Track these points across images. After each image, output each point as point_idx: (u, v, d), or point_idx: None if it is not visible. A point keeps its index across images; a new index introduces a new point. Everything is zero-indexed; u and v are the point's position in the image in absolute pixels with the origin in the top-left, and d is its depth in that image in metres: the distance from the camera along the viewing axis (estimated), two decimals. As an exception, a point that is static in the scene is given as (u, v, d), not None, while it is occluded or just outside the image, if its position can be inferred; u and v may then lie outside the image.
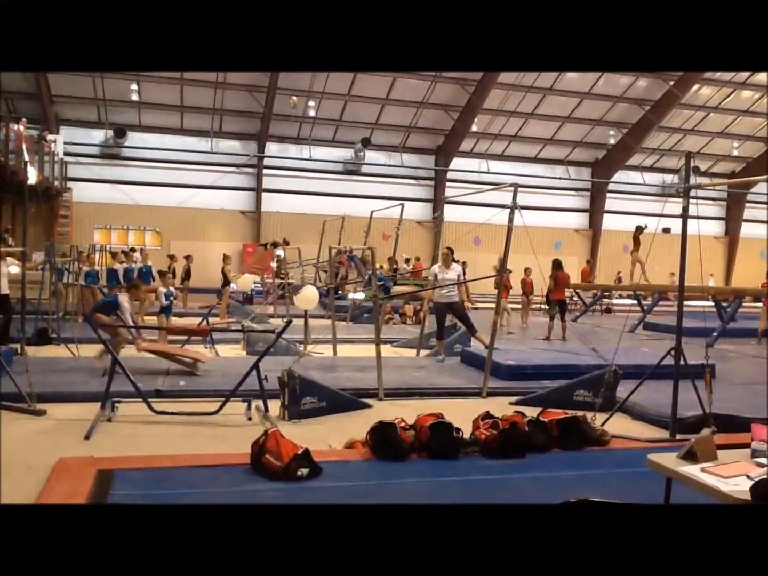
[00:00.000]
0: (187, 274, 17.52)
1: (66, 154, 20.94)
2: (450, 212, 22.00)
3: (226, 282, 15.53)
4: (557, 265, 13.41)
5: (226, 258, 15.95)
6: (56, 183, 19.83)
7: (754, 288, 15.39)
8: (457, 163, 24.78)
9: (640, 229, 15.38)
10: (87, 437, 5.58)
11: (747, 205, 28.53)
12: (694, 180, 6.15)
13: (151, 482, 4.44)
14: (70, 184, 21.59)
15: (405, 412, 5.83)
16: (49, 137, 19.17)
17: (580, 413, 5.89)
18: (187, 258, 17.57)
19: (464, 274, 10.76)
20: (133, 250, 15.30)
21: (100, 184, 22.03)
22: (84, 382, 7.40)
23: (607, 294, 20.64)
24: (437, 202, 24.13)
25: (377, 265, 11.96)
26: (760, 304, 14.59)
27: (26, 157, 14.93)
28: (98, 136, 22.22)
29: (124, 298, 8.49)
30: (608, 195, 26.89)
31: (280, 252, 18.27)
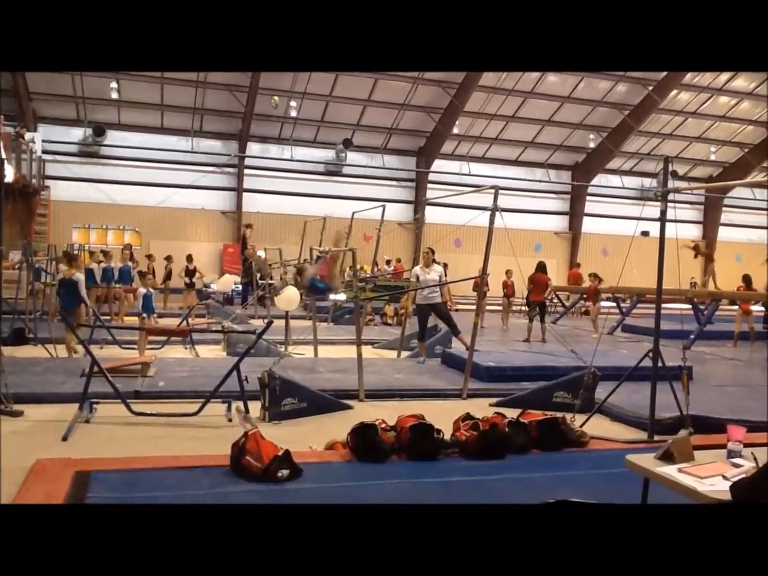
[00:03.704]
0: (168, 275, 17.43)
1: (44, 152, 20.65)
2: (431, 214, 22.03)
3: (192, 283, 15.95)
4: (539, 267, 13.50)
5: (191, 258, 16.69)
6: (34, 181, 19.56)
7: (730, 291, 15.59)
8: (438, 164, 24.84)
9: (701, 247, 16.88)
10: (64, 438, 5.53)
11: (724, 209, 28.90)
12: (672, 184, 6.23)
13: (130, 484, 4.40)
14: (48, 182, 21.31)
15: (386, 414, 5.84)
16: (27, 135, 18.92)
17: (559, 415, 5.94)
18: (168, 259, 17.48)
19: (445, 275, 10.79)
20: (104, 252, 15.21)
21: (78, 182, 21.76)
22: (61, 383, 7.33)
23: (584, 296, 20.76)
24: (418, 203, 24.16)
25: (359, 267, 11.95)
26: (736, 307, 14.80)
27: (3, 155, 14.72)
28: (77, 134, 21.96)
29: (80, 276, 9.59)
30: (588, 198, 27.09)
31: (261, 252, 18.24)
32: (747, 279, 14.45)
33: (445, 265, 16.82)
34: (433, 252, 9.94)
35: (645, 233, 21.36)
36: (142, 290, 9.97)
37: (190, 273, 16.82)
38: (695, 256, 18.86)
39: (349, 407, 7.00)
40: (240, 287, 18.97)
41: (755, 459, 3.08)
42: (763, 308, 16.10)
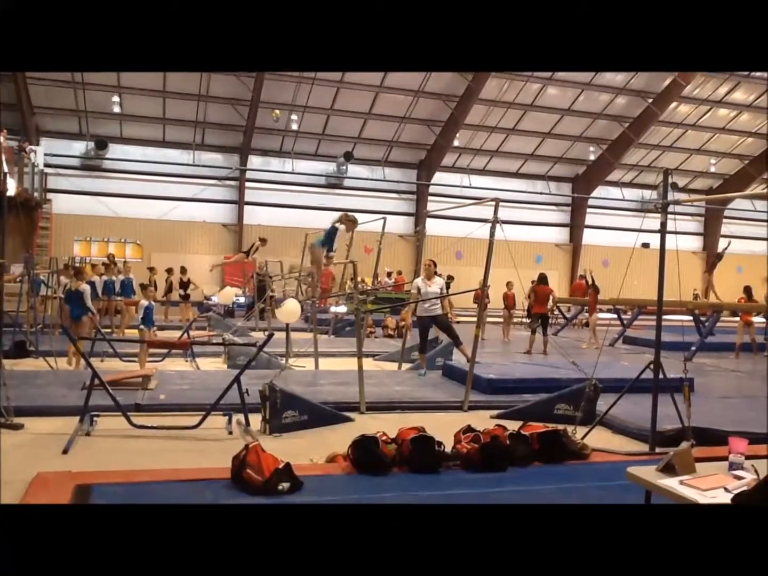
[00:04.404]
0: (169, 288, 17.48)
1: (46, 165, 20.76)
2: (432, 226, 22.11)
3: (186, 295, 16.07)
4: (540, 279, 13.52)
5: (185, 270, 16.97)
6: (36, 194, 19.64)
7: (731, 303, 15.57)
8: (439, 177, 24.92)
9: (719, 256, 18.08)
10: (65, 451, 5.52)
11: (724, 220, 28.95)
12: (672, 196, 6.25)
13: (131, 497, 4.39)
14: (50, 195, 21.41)
15: (387, 426, 5.82)
16: (29, 148, 19.01)
17: (560, 427, 5.93)
18: (169, 271, 17.53)
19: (448, 288, 10.78)
20: (105, 265, 15.17)
21: (80, 195, 21.85)
22: (62, 396, 7.32)
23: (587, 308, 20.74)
24: (419, 216, 24.23)
25: (359, 279, 11.98)
26: (737, 319, 14.78)
27: (5, 168, 14.79)
28: (79, 147, 22.08)
29: (87, 287, 9.93)
30: (588, 210, 27.16)
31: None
32: (748, 290, 14.46)
33: (451, 278, 16.86)
34: (435, 264, 9.94)
35: (645, 245, 21.41)
36: (144, 302, 9.96)
37: (184, 285, 16.95)
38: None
39: (350, 420, 6.99)
40: (240, 300, 19.00)
41: (756, 471, 3.08)
42: (764, 320, 16.08)
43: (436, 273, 10.00)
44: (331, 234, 8.70)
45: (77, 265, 16.55)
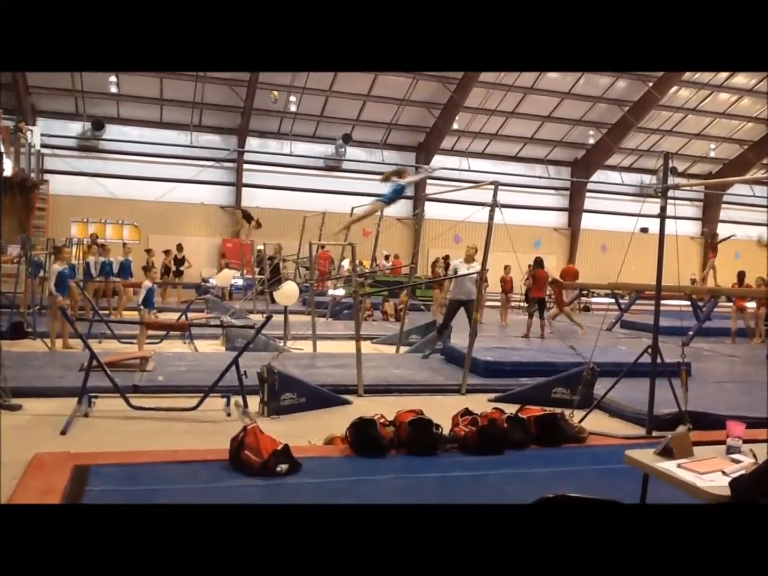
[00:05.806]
0: (166, 270, 17.46)
1: (43, 146, 20.60)
2: (430, 209, 22.04)
3: (180, 271, 16.31)
4: (538, 263, 13.51)
5: (181, 247, 17.62)
6: (32, 175, 19.52)
7: (728, 288, 15.58)
8: (437, 160, 24.79)
9: (717, 237, 17.75)
10: (63, 432, 5.54)
11: (723, 206, 28.89)
12: (671, 180, 6.22)
13: (129, 478, 4.41)
14: (46, 176, 21.25)
15: (384, 409, 5.84)
16: (26, 128, 18.87)
17: (558, 410, 5.95)
18: (166, 253, 17.50)
19: (446, 267, 10.75)
20: (101, 246, 15.02)
21: (77, 176, 21.70)
22: (60, 377, 7.33)
23: (585, 293, 20.77)
24: (418, 199, 24.11)
25: (357, 261, 11.98)
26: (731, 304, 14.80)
27: (2, 148, 14.67)
28: (76, 128, 21.91)
29: (56, 267, 9.86)
30: (587, 194, 27.08)
31: (260, 247, 18.26)
32: (741, 276, 14.48)
33: (447, 257, 16.89)
34: (476, 250, 9.85)
35: (644, 230, 21.39)
36: (148, 283, 9.94)
37: (178, 261, 17.01)
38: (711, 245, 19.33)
39: (348, 402, 7.01)
40: (238, 282, 18.98)
41: (754, 455, 3.09)
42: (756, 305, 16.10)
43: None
44: (397, 192, 8.71)
45: (62, 246, 16.41)
